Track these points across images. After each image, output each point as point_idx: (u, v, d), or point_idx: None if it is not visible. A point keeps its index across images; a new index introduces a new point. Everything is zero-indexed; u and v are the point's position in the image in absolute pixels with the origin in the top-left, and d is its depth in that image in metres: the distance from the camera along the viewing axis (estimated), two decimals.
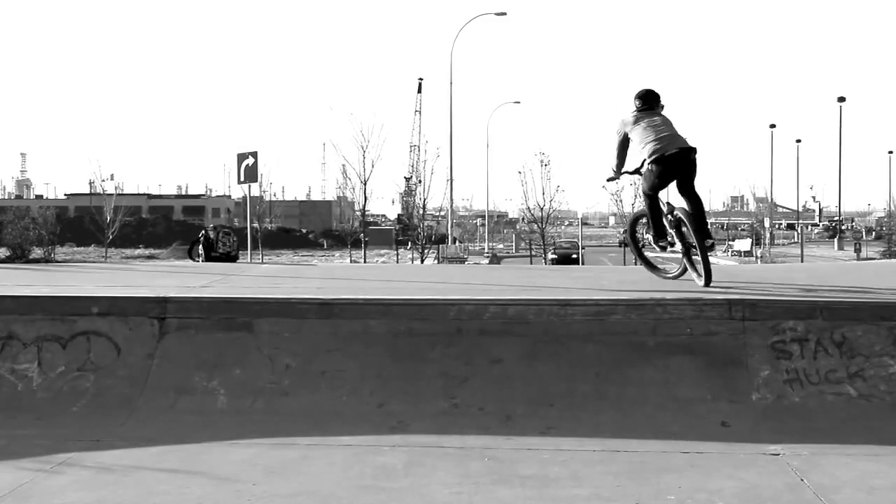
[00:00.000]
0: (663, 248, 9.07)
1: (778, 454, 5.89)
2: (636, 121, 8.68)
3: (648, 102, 8.77)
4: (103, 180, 46.81)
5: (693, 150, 8.49)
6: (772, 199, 78.86)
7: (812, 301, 7.52)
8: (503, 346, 7.24)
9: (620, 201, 40.77)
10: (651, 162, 8.53)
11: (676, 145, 8.47)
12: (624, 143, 8.86)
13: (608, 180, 9.47)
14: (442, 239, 53.98)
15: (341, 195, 67.57)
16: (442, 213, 57.43)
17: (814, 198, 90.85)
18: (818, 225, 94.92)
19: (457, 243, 56.67)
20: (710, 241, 8.47)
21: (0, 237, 16.56)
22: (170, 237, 66.30)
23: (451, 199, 53.37)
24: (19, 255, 15.70)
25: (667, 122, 8.70)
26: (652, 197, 8.87)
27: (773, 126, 78.60)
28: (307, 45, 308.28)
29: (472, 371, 7.09)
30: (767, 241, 62.56)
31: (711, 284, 8.40)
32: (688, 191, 8.60)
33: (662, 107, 8.86)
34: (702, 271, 8.53)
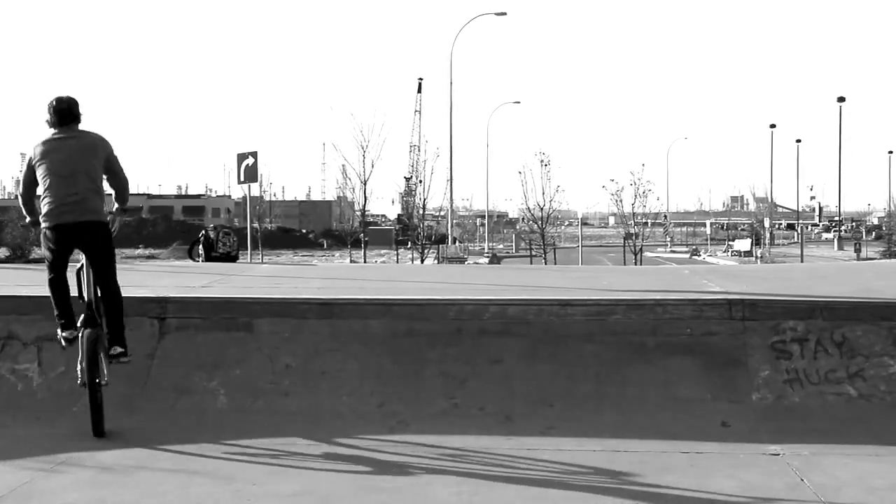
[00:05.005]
0: None
1: (778, 454, 5.88)
2: None
3: None
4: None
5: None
6: (772, 199, 78.80)
7: (812, 301, 7.52)
8: (503, 346, 7.23)
9: (620, 201, 40.62)
10: None
11: None
12: None
13: None
14: (442, 239, 53.92)
15: (341, 195, 67.42)
16: (442, 213, 57.36)
17: (813, 198, 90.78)
18: (818, 225, 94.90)
19: (457, 243, 56.62)
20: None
21: (0, 237, 16.57)
22: (170, 237, 66.04)
23: (451, 199, 53.35)
24: (19, 255, 15.72)
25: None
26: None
27: (773, 126, 78.60)
28: (307, 45, 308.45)
29: (472, 371, 7.08)
30: (767, 241, 62.54)
31: (710, 286, 8.37)
32: None
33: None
34: None
